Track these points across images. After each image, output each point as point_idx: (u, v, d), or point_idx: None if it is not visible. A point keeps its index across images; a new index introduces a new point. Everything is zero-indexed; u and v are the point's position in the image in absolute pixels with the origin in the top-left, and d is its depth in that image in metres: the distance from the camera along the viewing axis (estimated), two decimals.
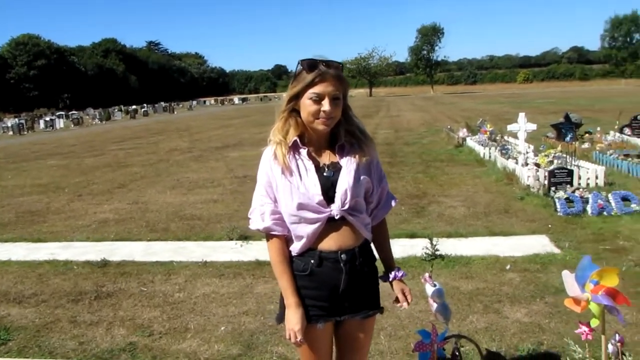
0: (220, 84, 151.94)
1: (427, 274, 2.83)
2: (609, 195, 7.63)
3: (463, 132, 15.83)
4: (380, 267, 2.46)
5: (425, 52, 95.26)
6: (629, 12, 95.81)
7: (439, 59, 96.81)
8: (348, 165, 2.22)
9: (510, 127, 11.79)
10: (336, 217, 2.19)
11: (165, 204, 9.53)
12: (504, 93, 69.40)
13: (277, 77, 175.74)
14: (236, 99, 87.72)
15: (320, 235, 2.22)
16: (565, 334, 4.02)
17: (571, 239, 6.34)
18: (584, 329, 3.09)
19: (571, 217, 7.30)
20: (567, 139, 9.98)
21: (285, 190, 2.19)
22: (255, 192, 2.31)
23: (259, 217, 2.27)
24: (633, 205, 7.44)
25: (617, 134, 14.09)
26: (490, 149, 12.71)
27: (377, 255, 2.48)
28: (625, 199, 7.59)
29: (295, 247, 2.27)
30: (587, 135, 14.00)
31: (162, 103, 65.78)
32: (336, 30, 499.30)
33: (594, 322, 2.96)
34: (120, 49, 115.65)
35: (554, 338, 3.98)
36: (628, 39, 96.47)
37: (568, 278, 2.95)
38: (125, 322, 4.55)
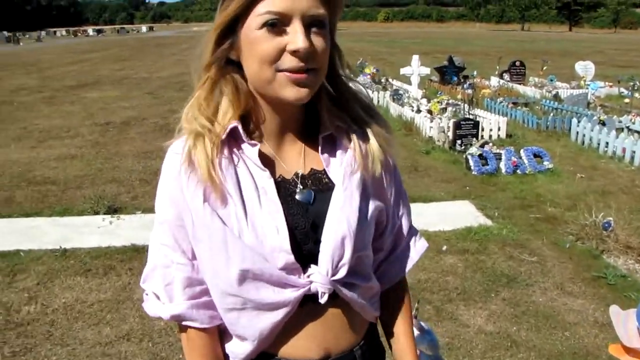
0: (72, 13, 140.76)
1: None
2: (521, 151, 7.08)
3: None
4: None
5: None
6: None
7: None
8: (346, 183, 1.07)
9: (403, 71, 11.15)
10: (320, 298, 1.04)
11: (9, 162, 7.66)
12: (368, 31, 69.82)
13: (134, 8, 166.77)
14: (91, 30, 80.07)
15: (286, 330, 1.08)
16: (542, 348, 3.26)
17: (497, 204, 5.68)
18: None
19: (486, 177, 6.66)
20: (466, 86, 9.40)
21: (214, 239, 1.00)
22: (152, 235, 1.10)
23: (162, 291, 1.08)
24: (545, 163, 6.96)
25: (501, 80, 13.88)
26: (379, 93, 11.90)
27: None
28: (536, 155, 7.08)
29: (237, 351, 1.12)
30: (474, 80, 13.62)
31: (5, 33, 58.35)
32: None
33: None
34: None
35: (533, 356, 3.18)
36: None
37: (619, 318, 2.03)
38: None
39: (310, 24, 0.97)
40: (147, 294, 1.12)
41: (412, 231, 1.29)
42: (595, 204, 5.32)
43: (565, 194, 6.08)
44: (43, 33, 67.28)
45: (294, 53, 0.95)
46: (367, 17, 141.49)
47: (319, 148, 1.10)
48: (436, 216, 5.36)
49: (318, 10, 0.97)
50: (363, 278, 1.12)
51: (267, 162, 1.06)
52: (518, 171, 6.82)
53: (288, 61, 0.96)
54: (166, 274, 1.07)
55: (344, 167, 1.08)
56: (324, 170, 1.10)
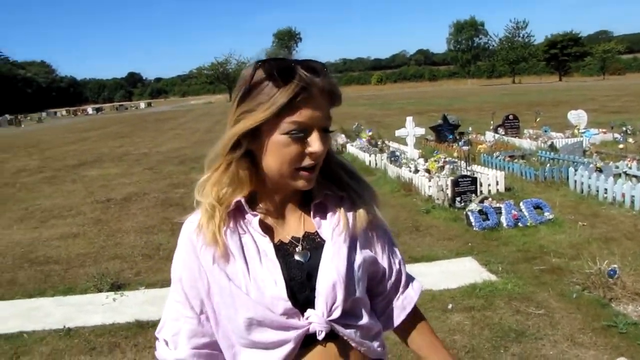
0: (71, 93, 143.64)
1: None
2: (521, 204, 7.10)
3: (342, 138, 15.12)
4: None
5: (282, 56, 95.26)
6: (468, 17, 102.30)
7: None
8: (335, 238, 1.26)
9: (398, 133, 11.28)
10: (319, 335, 1.20)
11: (12, 243, 7.72)
12: (363, 95, 70.82)
13: (131, 85, 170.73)
14: (90, 109, 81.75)
15: None
16: None
17: (500, 259, 5.66)
18: None
19: (488, 232, 6.66)
20: (461, 143, 9.49)
21: (223, 292, 1.20)
22: (169, 294, 1.32)
23: (170, 340, 1.29)
24: (546, 214, 6.97)
25: (496, 135, 14.04)
26: (376, 155, 12.03)
27: None
28: (537, 207, 7.10)
29: None
30: (470, 136, 13.78)
31: (7, 116, 59.79)
32: (190, 36, 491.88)
33: None
34: None
35: None
36: (470, 43, 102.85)
37: None
38: None
39: (324, 130, 1.20)
40: (159, 342, 1.31)
41: (408, 276, 1.48)
42: (599, 251, 5.33)
43: (569, 243, 6.06)
44: (44, 114, 68.82)
45: (312, 155, 1.17)
46: (361, 80, 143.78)
47: (311, 214, 1.30)
48: (440, 275, 5.34)
49: (328, 121, 1.21)
50: (359, 319, 1.28)
51: (268, 228, 1.27)
52: (519, 224, 6.82)
53: (306, 161, 1.18)
54: (174, 326, 1.28)
55: (332, 226, 1.28)
56: (316, 231, 1.29)
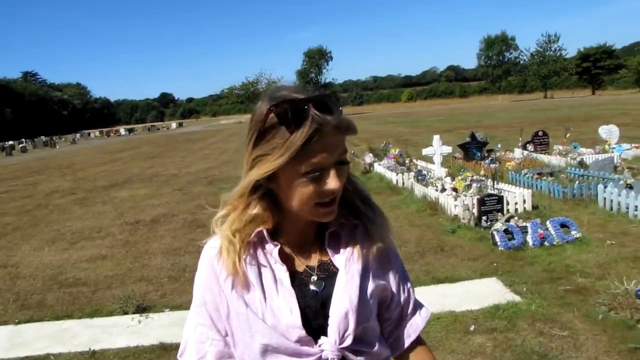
0: (105, 114, 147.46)
1: None
2: (547, 223, 7.01)
3: (370, 157, 15.11)
4: None
5: (313, 74, 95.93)
6: (499, 33, 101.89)
7: (327, 81, 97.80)
8: (348, 267, 1.29)
9: (425, 151, 11.25)
10: None
11: (42, 265, 7.88)
12: (393, 112, 70.93)
13: (163, 106, 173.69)
14: (122, 130, 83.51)
15: None
16: None
17: (524, 279, 5.59)
18: None
19: (513, 252, 6.58)
20: (488, 161, 9.40)
21: (241, 318, 1.25)
22: (189, 316, 1.35)
23: None
24: (573, 233, 6.86)
25: (525, 152, 13.89)
26: (403, 174, 12.00)
27: None
28: (563, 225, 7.00)
29: None
30: (498, 154, 13.66)
31: (43, 137, 61.53)
32: (221, 55, 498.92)
33: None
34: None
35: None
36: (501, 58, 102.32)
37: None
38: None
39: (340, 164, 1.20)
40: None
41: (417, 303, 1.48)
42: (628, 271, 5.26)
43: (596, 263, 5.96)
44: (78, 135, 70.40)
45: (330, 192, 1.19)
46: (391, 98, 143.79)
47: (326, 242, 1.33)
48: (463, 296, 5.29)
49: (344, 154, 1.21)
50: (370, 345, 1.31)
51: (286, 257, 1.30)
52: (545, 243, 6.72)
53: (324, 197, 1.19)
54: (200, 349, 1.31)
55: (345, 255, 1.30)
56: (330, 260, 1.32)
